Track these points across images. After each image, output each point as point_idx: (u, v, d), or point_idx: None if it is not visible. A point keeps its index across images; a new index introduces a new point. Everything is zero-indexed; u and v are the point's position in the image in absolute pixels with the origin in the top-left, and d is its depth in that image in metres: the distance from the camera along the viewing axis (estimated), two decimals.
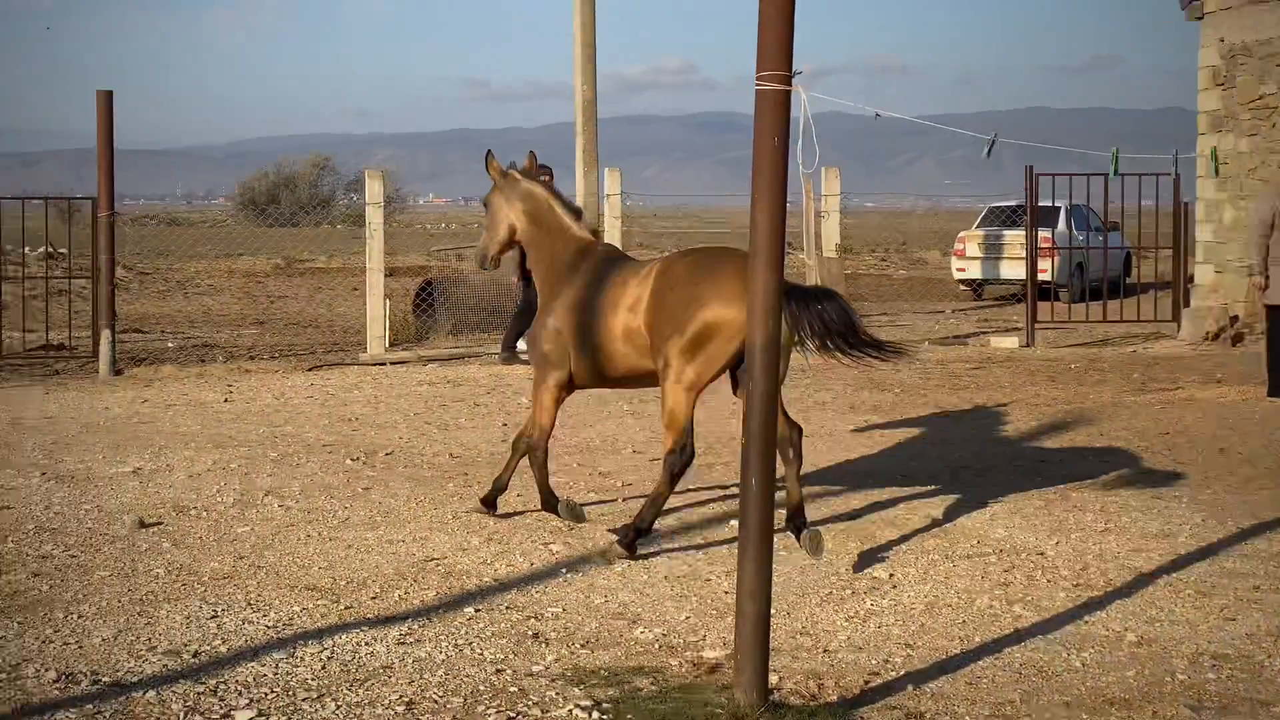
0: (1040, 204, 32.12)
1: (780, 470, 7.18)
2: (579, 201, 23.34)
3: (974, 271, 31.68)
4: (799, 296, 8.23)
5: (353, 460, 11.53)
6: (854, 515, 9.65)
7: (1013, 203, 32.52)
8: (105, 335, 17.50)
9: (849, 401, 14.67)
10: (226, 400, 14.96)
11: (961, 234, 32.42)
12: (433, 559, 8.47)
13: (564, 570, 8.22)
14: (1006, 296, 31.78)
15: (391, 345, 19.43)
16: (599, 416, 13.74)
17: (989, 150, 17.75)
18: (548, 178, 17.57)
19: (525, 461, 9.48)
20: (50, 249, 33.53)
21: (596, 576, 8.09)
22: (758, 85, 5.74)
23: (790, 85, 5.74)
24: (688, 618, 7.33)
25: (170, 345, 21.21)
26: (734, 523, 9.25)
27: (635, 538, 8.51)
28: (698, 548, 8.78)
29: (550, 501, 9.44)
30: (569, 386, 9.33)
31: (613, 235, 19.89)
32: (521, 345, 17.93)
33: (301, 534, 9.09)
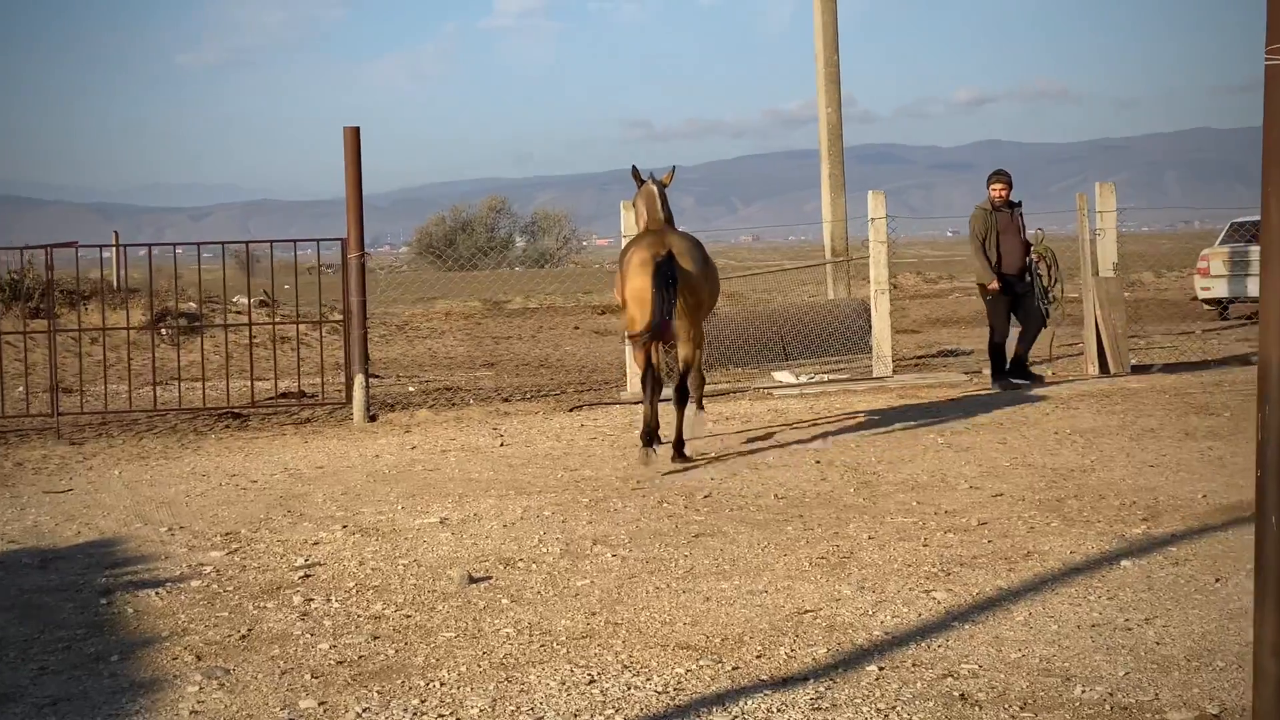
0: None
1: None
2: (826, 228, 22.85)
3: (1220, 290, 30.47)
4: (668, 267, 12.29)
5: (669, 503, 10.97)
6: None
7: (1257, 217, 31.22)
8: (359, 380, 17.23)
9: (1180, 427, 13.80)
10: (503, 444, 14.55)
11: (1205, 252, 31.23)
12: (806, 610, 7.85)
13: (956, 620, 7.55)
14: (1250, 316, 30.56)
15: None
16: (914, 451, 13.08)
17: None
18: (1003, 182, 16.72)
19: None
20: (266, 295, 33.85)
21: (999, 627, 7.40)
22: (1268, 60, 5.08)
23: None
24: (1127, 674, 6.61)
25: (411, 389, 20.97)
26: (1126, 563, 8.56)
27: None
28: (1097, 592, 8.03)
29: (649, 428, 12.84)
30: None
31: (878, 260, 19.24)
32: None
33: (649, 586, 8.54)
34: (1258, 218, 19.01)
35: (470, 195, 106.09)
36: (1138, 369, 18.91)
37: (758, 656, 7.07)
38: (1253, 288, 29.63)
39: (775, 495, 11.18)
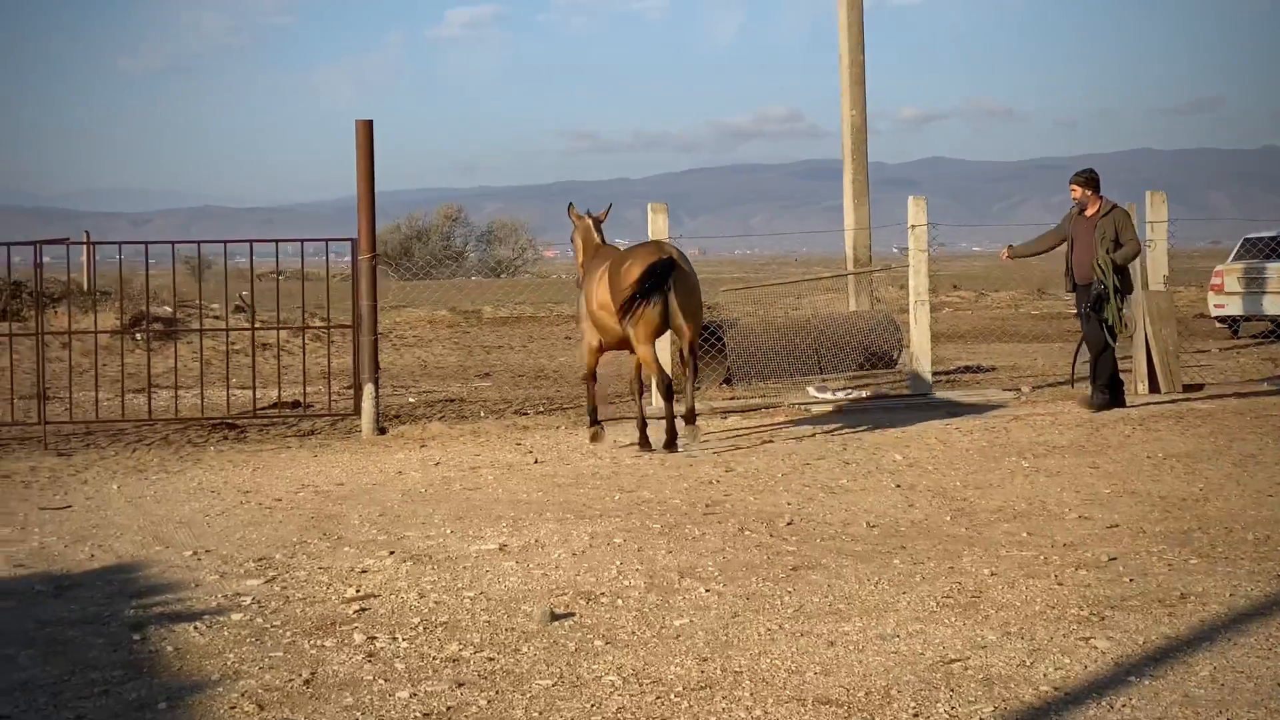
0: None
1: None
2: (849, 235, 22.11)
3: (1234, 307, 29.81)
4: (662, 273, 13.34)
5: (751, 530, 10.08)
6: None
7: (1272, 233, 30.62)
8: (369, 390, 16.30)
9: None
10: (537, 461, 13.66)
11: (1219, 268, 30.55)
12: (952, 660, 6.98)
13: (1130, 674, 6.69)
14: (1261, 334, 29.94)
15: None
16: (999, 475, 12.24)
17: None
18: (1075, 184, 15.49)
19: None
20: (243, 301, 32.86)
21: (1184, 684, 6.54)
22: None
23: None
24: None
25: (411, 400, 20.04)
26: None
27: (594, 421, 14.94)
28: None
29: (594, 418, 14.88)
30: (600, 347, 14.52)
31: (918, 268, 18.39)
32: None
33: (759, 627, 7.66)
34: (1273, 233, 18.16)
35: (416, 204, 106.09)
36: (1189, 388, 18.13)
37: (915, 716, 6.22)
38: (1269, 305, 28.97)
39: (866, 523, 10.31)
